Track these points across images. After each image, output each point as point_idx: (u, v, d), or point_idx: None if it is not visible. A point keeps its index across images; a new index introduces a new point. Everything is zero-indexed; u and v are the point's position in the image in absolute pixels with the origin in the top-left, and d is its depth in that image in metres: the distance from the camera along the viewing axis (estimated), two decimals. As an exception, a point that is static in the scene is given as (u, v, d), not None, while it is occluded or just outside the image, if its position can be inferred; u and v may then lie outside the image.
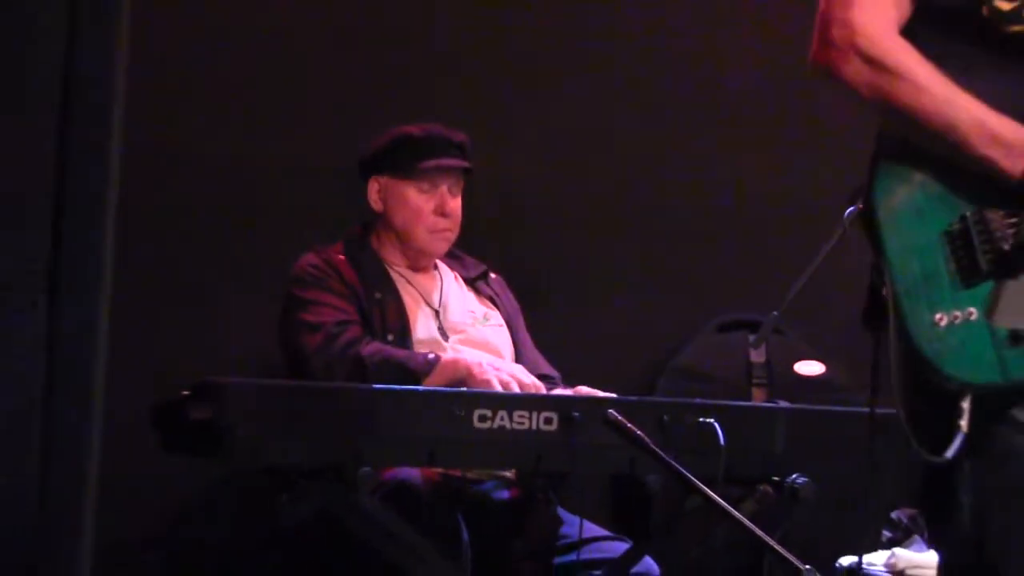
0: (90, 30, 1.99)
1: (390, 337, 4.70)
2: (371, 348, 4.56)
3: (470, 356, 4.64)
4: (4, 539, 1.88)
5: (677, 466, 3.82)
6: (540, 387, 4.69)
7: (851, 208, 3.08)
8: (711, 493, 3.77)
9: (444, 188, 4.87)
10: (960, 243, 2.77)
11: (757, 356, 5.65)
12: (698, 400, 4.46)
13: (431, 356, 4.54)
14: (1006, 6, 2.84)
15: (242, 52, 5.87)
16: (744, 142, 6.14)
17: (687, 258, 6.13)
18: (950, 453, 2.70)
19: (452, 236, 4.93)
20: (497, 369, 4.57)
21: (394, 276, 4.88)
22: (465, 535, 4.39)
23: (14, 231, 1.91)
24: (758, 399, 5.48)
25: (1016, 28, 2.84)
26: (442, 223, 4.87)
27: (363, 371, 4.46)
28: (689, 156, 6.23)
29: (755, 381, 5.64)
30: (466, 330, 4.92)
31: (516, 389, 4.50)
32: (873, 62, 2.83)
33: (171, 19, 5.64)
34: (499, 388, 4.45)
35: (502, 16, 6.14)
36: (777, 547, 3.66)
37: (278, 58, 5.92)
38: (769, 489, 4.26)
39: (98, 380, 1.94)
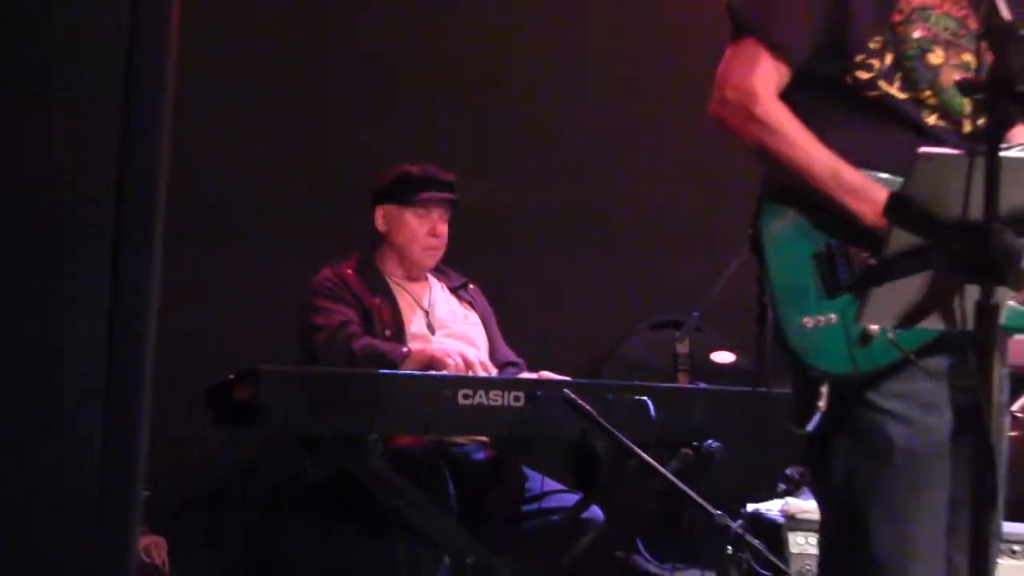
0: (146, 37, 1.93)
1: (387, 332, 4.75)
2: (362, 343, 4.60)
3: (434, 346, 4.69)
4: (74, 495, 1.83)
5: (618, 434, 3.93)
6: (488, 364, 4.77)
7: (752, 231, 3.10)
8: (645, 455, 3.88)
9: (435, 215, 4.92)
10: (825, 264, 2.78)
11: (682, 348, 5.62)
12: (635, 382, 4.48)
13: (405, 349, 4.58)
14: (865, 76, 2.85)
15: (279, 96, 5.88)
16: (676, 179, 6.14)
17: (627, 270, 6.13)
18: (810, 427, 2.75)
19: (439, 253, 4.99)
20: (452, 351, 4.58)
21: (392, 285, 4.92)
22: (451, 488, 4.49)
23: (82, 244, 1.88)
24: (682, 382, 5.43)
25: (873, 93, 2.85)
26: (433, 242, 4.93)
27: (355, 360, 4.51)
28: (631, 190, 6.24)
29: (680, 368, 5.59)
30: (449, 326, 4.97)
31: (461, 364, 4.52)
32: (755, 120, 2.83)
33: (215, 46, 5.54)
34: (452, 365, 4.48)
35: (482, 74, 6.14)
36: (696, 497, 3.80)
37: (309, 99, 5.94)
38: (690, 452, 4.29)
39: (147, 377, 1.92)
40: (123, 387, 1.87)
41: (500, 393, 4.20)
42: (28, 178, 1.85)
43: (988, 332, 2.32)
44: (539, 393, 4.20)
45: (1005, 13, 2.42)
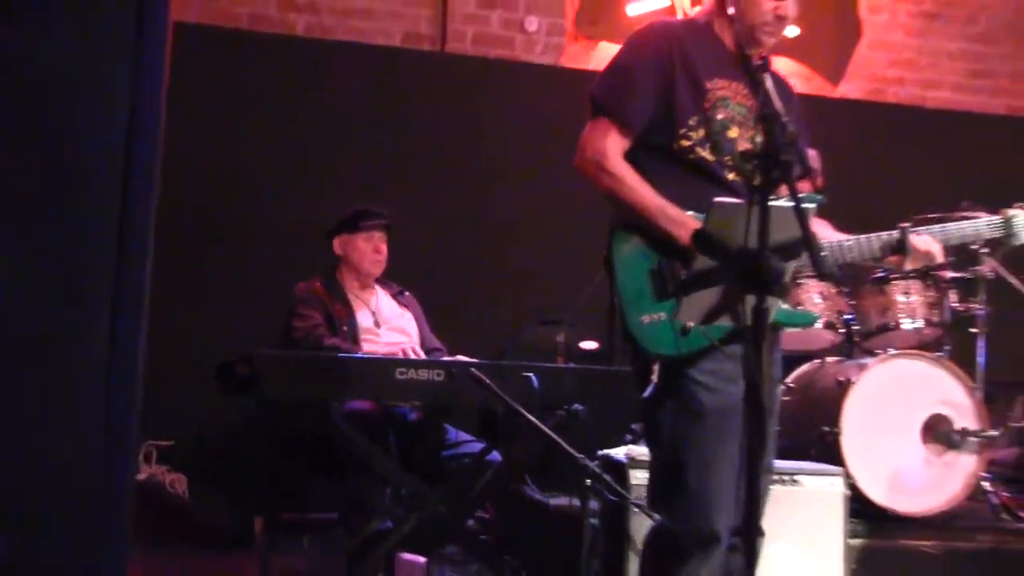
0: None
1: (345, 328, 4.77)
2: (329, 342, 4.64)
3: (382, 347, 4.76)
4: (81, 453, 1.69)
5: (511, 401, 3.93)
6: (419, 350, 4.83)
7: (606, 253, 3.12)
8: (530, 416, 3.86)
9: (377, 237, 5.00)
10: (657, 277, 2.86)
11: (560, 338, 5.55)
12: (524, 363, 4.45)
13: (359, 355, 4.59)
14: (685, 144, 2.91)
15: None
16: (558, 214, 6.10)
17: (523, 282, 6.18)
18: (646, 393, 2.89)
19: (383, 265, 5.03)
20: (400, 346, 4.73)
21: (349, 295, 4.97)
22: (392, 439, 4.48)
23: (95, 247, 1.72)
24: (559, 363, 5.37)
25: (691, 156, 2.91)
26: (378, 257, 5.00)
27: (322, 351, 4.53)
28: (527, 224, 6.28)
29: (558, 352, 5.52)
30: (390, 321, 4.99)
31: (399, 354, 4.63)
32: (606, 172, 2.90)
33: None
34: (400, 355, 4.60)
35: (412, 140, 6.16)
36: (566, 446, 3.79)
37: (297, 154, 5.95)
38: (563, 413, 4.07)
39: (140, 359, 1.75)
40: (123, 368, 1.73)
41: (427, 371, 4.23)
42: (48, 186, 1.73)
43: (761, 328, 2.42)
44: (455, 371, 4.22)
45: (775, 104, 2.60)
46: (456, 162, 6.25)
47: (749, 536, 2.42)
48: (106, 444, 1.72)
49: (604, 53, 6.56)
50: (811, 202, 2.60)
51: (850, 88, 7.08)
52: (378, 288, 5.14)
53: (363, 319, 4.95)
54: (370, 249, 5.02)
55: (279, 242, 5.75)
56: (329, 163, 5.94)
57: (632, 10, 6.67)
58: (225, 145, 5.70)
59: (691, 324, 2.81)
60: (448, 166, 6.24)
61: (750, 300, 2.47)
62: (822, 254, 2.67)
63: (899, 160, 6.77)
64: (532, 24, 6.52)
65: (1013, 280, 5.56)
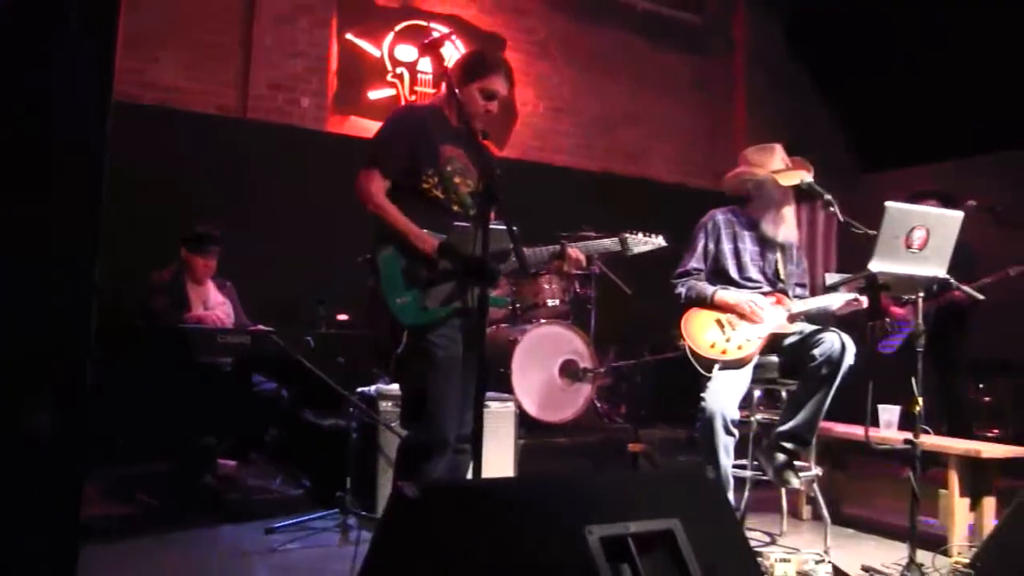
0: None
1: (185, 310, 4.68)
2: (188, 316, 4.53)
3: (210, 317, 4.64)
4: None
5: (297, 355, 3.85)
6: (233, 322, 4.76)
7: (366, 256, 2.96)
8: (309, 364, 3.79)
9: (211, 256, 4.82)
10: (406, 273, 2.86)
11: (325, 313, 5.00)
12: (305, 329, 4.18)
13: (198, 317, 4.58)
14: (426, 186, 2.93)
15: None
16: (337, 222, 5.51)
17: (303, 272, 5.57)
18: (399, 350, 2.87)
19: (211, 273, 4.83)
20: (218, 318, 4.63)
21: (188, 286, 4.79)
22: (213, 383, 4.29)
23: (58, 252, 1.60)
24: (325, 330, 4.60)
25: (431, 195, 2.93)
26: (208, 270, 4.82)
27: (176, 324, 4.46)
28: (298, 231, 5.82)
29: (324, 321, 5.05)
30: (216, 307, 4.80)
31: (223, 323, 4.57)
32: (373, 204, 2.88)
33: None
34: (218, 324, 4.54)
35: (226, 178, 5.80)
36: (334, 384, 3.77)
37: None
38: (340, 361, 4.08)
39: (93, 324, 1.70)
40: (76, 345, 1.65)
41: (240, 337, 4.17)
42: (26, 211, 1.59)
43: (485, 308, 2.49)
44: (257, 336, 4.16)
45: (492, 166, 2.62)
46: (257, 194, 5.99)
47: (477, 441, 2.47)
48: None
49: (354, 123, 6.58)
50: (515, 226, 2.66)
51: (509, 151, 7.39)
52: (209, 283, 4.98)
53: (197, 305, 4.82)
54: (203, 264, 4.86)
55: (138, 245, 5.31)
56: (170, 191, 5.56)
57: (372, 95, 6.73)
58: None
59: (433, 306, 2.87)
60: (251, 196, 5.96)
61: (475, 290, 2.55)
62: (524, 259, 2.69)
63: (534, 200, 6.91)
64: (305, 102, 6.54)
65: (612, 276, 6.00)
